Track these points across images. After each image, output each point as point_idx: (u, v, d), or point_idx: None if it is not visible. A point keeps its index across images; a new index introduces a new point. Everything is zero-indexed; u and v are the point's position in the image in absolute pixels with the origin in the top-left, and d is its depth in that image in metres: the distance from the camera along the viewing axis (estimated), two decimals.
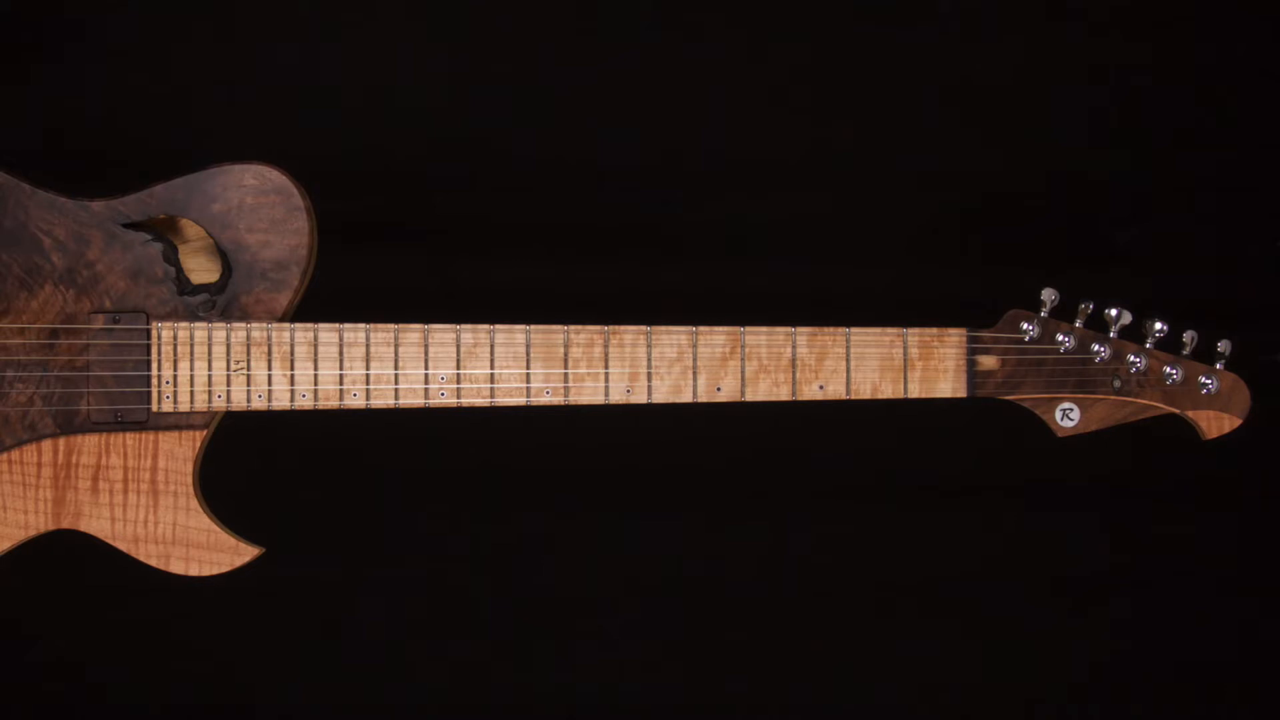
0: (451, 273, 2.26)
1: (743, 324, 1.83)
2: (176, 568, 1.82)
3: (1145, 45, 2.27)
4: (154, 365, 1.80)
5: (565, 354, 1.82)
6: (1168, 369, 1.83)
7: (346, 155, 2.22)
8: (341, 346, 1.81)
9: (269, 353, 1.80)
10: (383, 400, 1.81)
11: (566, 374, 1.82)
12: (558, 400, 1.82)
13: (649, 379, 1.83)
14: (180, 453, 1.81)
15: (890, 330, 1.83)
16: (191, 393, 1.80)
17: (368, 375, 1.81)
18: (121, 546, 1.81)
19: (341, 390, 1.81)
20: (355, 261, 2.07)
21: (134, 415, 1.80)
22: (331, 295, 1.86)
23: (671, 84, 2.26)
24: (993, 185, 2.29)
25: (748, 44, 2.26)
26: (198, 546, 1.82)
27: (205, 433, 1.81)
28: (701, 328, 1.82)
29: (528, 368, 1.82)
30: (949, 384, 1.84)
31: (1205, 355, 1.84)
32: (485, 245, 2.27)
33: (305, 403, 1.81)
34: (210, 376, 1.80)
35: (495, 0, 2.24)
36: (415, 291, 2.22)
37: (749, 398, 1.83)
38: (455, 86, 2.25)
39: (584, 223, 2.27)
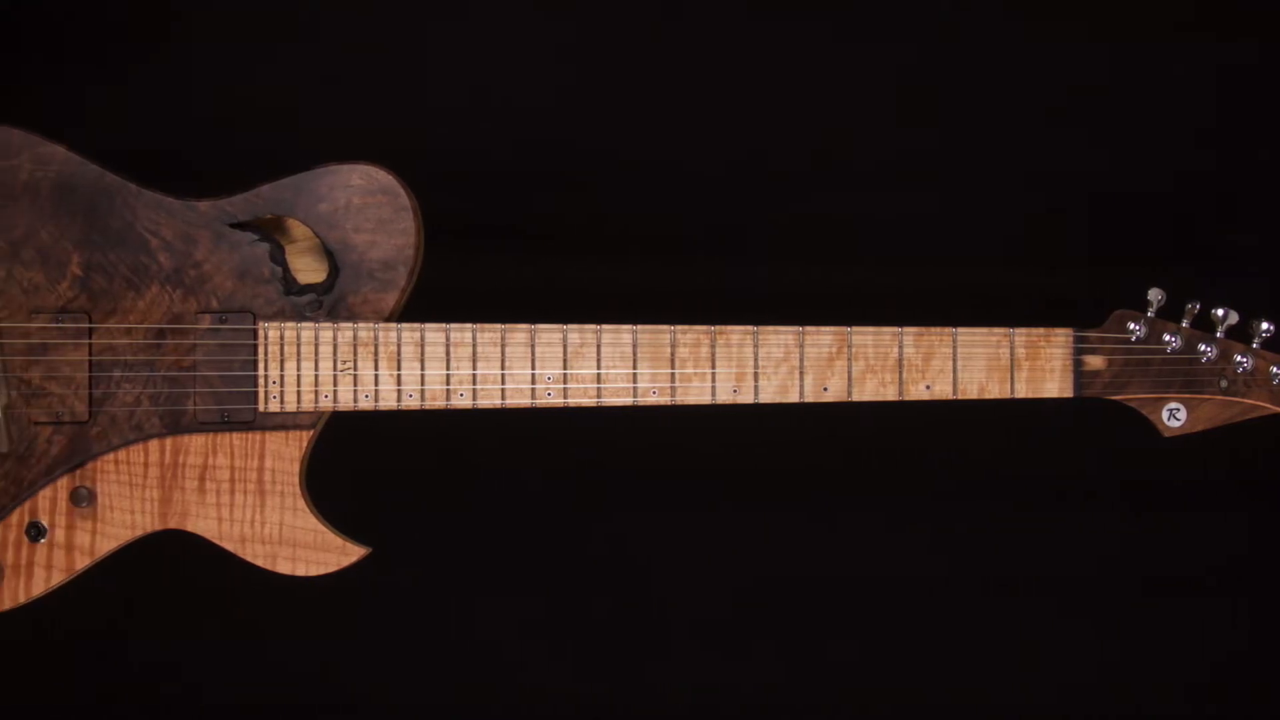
0: (540, 272, 2.25)
1: (846, 324, 1.82)
2: (283, 568, 1.82)
3: (1251, 43, 2.25)
4: (261, 365, 1.80)
5: (672, 354, 1.82)
6: (1274, 369, 1.82)
7: (434, 155, 2.22)
8: (448, 347, 1.81)
9: (375, 353, 1.80)
10: (489, 400, 1.81)
11: (673, 374, 1.82)
12: (664, 400, 1.82)
13: (755, 379, 1.82)
14: (287, 453, 1.81)
15: (997, 330, 1.83)
16: (298, 393, 1.80)
17: (474, 375, 1.81)
18: (228, 547, 1.81)
19: (448, 390, 1.81)
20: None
21: (241, 415, 1.80)
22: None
23: (765, 84, 2.25)
24: (1097, 185, 2.27)
25: (850, 43, 2.25)
26: (304, 546, 1.82)
27: (312, 433, 1.81)
28: (808, 328, 1.82)
29: (634, 368, 1.81)
30: (1056, 384, 1.83)
31: None
32: (573, 247, 2.26)
33: (412, 403, 1.81)
34: (317, 376, 1.80)
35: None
36: (466, 293, 2.17)
37: (855, 398, 1.82)
38: (548, 87, 2.25)
39: (672, 224, 2.27)
